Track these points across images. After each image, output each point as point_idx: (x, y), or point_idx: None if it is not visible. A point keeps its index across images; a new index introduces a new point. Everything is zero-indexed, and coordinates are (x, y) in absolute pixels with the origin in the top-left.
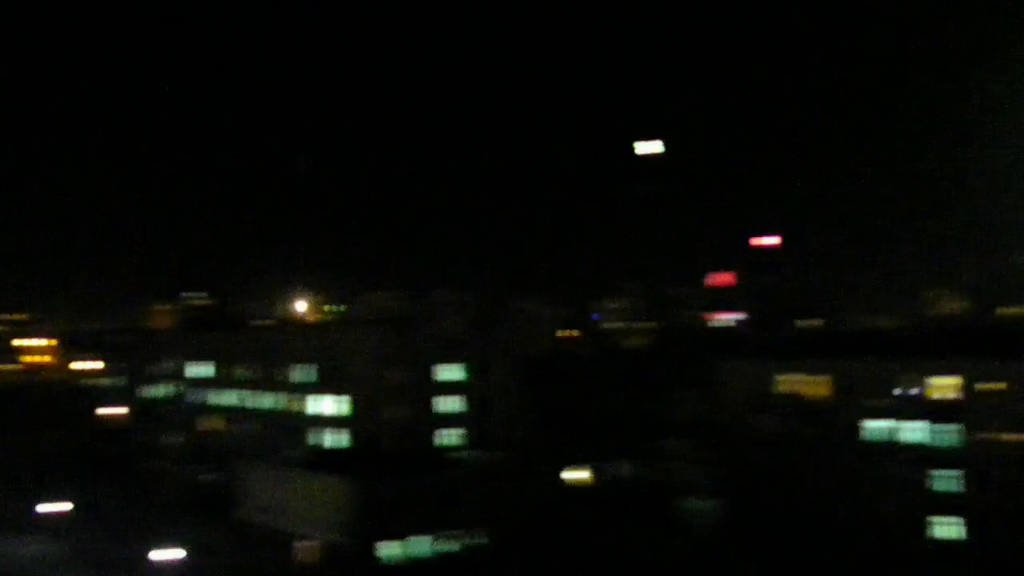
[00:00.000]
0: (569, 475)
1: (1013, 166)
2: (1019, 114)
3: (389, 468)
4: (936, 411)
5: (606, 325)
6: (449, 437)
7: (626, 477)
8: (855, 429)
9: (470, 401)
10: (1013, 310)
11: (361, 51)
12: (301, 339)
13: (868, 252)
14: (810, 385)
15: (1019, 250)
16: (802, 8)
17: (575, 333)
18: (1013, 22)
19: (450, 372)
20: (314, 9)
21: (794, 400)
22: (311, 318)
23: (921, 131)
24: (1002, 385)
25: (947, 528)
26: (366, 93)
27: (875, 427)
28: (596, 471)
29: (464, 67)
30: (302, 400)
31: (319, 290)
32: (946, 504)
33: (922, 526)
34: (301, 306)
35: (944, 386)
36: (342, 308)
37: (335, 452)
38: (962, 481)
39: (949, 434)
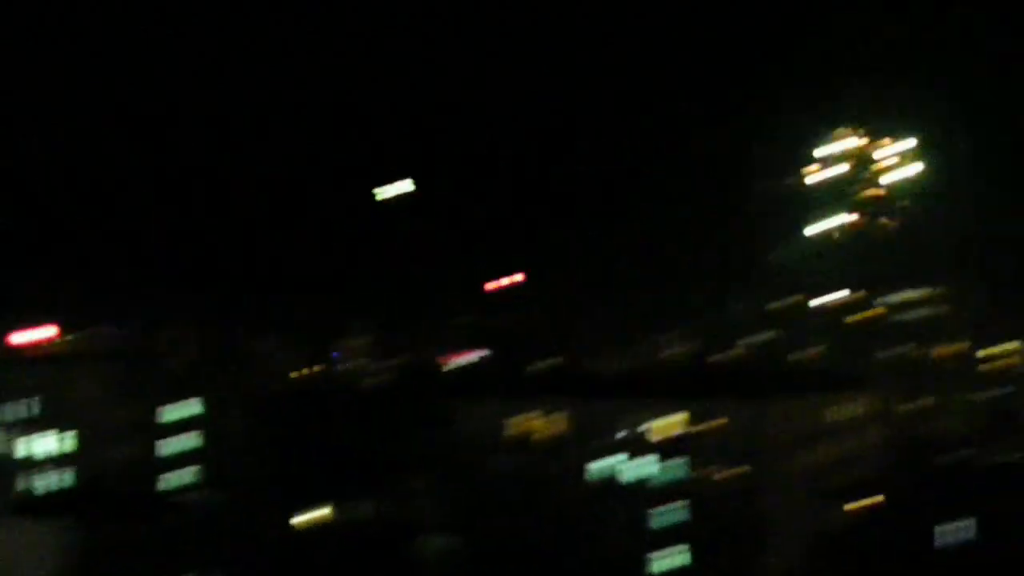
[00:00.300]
0: (305, 515)
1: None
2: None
3: (112, 511)
4: (662, 448)
5: (346, 363)
6: (179, 478)
7: (364, 516)
8: (587, 467)
9: (202, 440)
10: (735, 351)
11: None
12: (17, 372)
13: (607, 293)
14: (548, 424)
15: (743, 297)
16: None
17: (314, 370)
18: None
19: (182, 410)
20: None
21: (529, 439)
22: (32, 349)
23: (659, 174)
24: (723, 421)
25: (668, 561)
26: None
27: (605, 465)
28: (333, 510)
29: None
30: (17, 439)
31: (41, 318)
32: (670, 537)
33: (646, 559)
34: (20, 336)
35: (670, 424)
36: (66, 339)
37: (53, 495)
38: (684, 513)
39: (673, 470)
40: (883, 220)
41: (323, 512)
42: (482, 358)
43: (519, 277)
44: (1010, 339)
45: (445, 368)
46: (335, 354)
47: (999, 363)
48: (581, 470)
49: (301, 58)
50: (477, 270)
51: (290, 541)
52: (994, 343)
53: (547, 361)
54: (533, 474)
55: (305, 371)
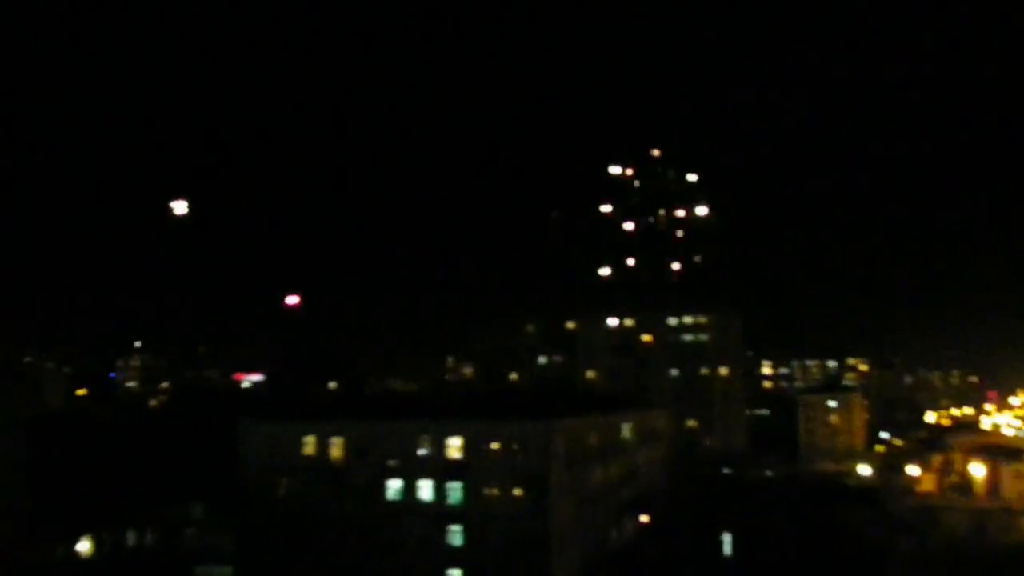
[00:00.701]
0: (77, 545)
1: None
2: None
3: None
4: (445, 469)
5: (125, 384)
6: None
7: (139, 546)
8: (374, 488)
9: None
10: (515, 376)
11: None
12: None
13: (391, 316)
14: (330, 446)
15: (529, 320)
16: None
17: (90, 392)
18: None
19: None
20: None
21: (315, 461)
22: None
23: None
24: (498, 445)
25: None
26: None
27: (392, 486)
28: (106, 540)
29: None
30: None
31: None
32: (456, 557)
33: None
34: None
35: (452, 446)
36: None
37: None
38: (466, 535)
39: (455, 491)
40: (665, 255)
41: (89, 543)
42: (264, 379)
43: (298, 300)
44: (773, 362)
45: (227, 389)
46: (112, 375)
47: (764, 384)
48: (368, 492)
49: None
50: (258, 292)
51: (59, 572)
52: (758, 366)
53: (330, 383)
54: (319, 497)
55: (82, 392)
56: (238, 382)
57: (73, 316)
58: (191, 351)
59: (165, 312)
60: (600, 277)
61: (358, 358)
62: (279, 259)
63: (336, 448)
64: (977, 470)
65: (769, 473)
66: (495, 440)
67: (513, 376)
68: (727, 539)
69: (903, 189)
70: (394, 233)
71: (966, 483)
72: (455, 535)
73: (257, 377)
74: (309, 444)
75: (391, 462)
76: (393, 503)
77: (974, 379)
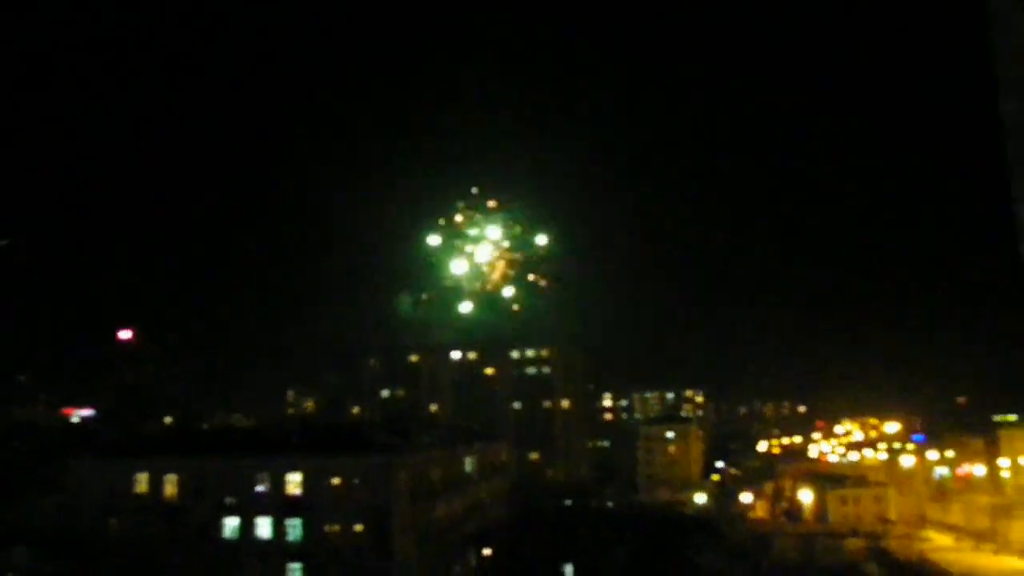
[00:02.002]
0: None
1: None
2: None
3: None
4: (284, 506)
5: None
6: None
7: None
8: (210, 526)
9: None
10: (357, 410)
11: None
12: None
13: (231, 349)
14: (165, 484)
15: (371, 355)
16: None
17: None
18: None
19: None
20: None
21: (148, 500)
22: None
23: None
24: (339, 480)
25: None
26: None
27: (229, 524)
28: None
29: None
30: None
31: None
32: None
33: None
34: None
35: (292, 482)
36: None
37: None
38: (306, 573)
39: (295, 528)
40: (507, 290)
41: None
42: (95, 414)
43: (131, 334)
44: (613, 395)
45: (53, 425)
46: None
47: (605, 416)
48: (204, 530)
49: None
50: (86, 326)
51: None
52: (599, 399)
53: (165, 418)
54: (153, 537)
55: None
56: (67, 416)
57: None
58: (12, 380)
59: None
60: (446, 313)
61: (195, 393)
62: (112, 291)
63: (171, 485)
64: (805, 496)
65: (610, 503)
66: (336, 475)
67: (356, 410)
68: (568, 570)
69: (736, 224)
70: (233, 264)
71: (795, 509)
72: (294, 573)
73: (87, 412)
74: (142, 482)
75: (228, 499)
76: (230, 542)
77: (802, 409)
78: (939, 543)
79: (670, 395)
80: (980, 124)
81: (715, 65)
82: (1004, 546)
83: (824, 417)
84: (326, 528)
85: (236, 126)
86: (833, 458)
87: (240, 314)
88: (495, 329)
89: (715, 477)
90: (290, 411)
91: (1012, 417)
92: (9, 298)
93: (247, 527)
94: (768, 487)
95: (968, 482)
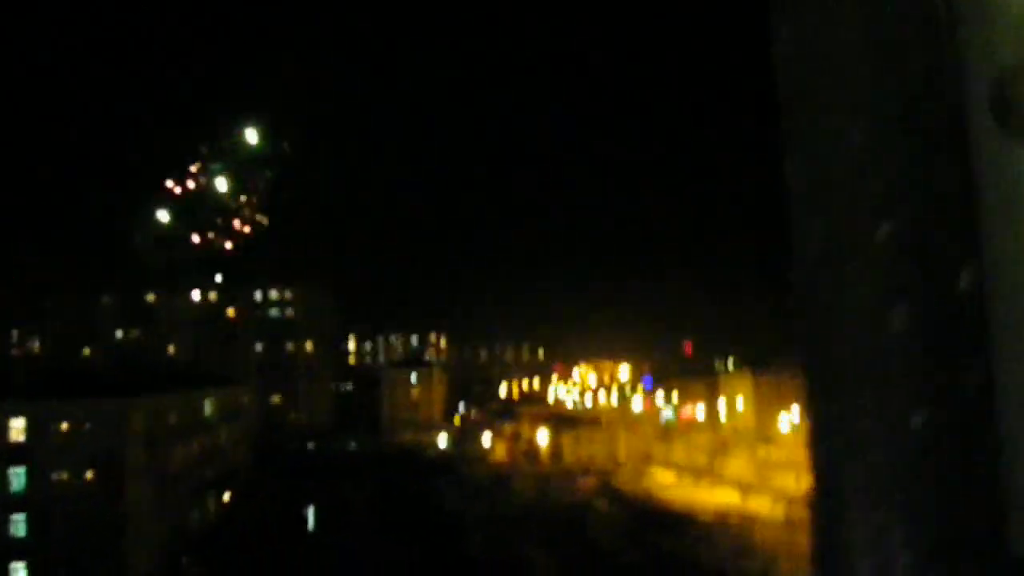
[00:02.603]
0: None
1: None
2: None
3: None
4: (6, 453)
5: None
6: None
7: None
8: None
9: None
10: (89, 352)
11: None
12: None
13: None
14: None
15: (105, 294)
16: None
17: None
18: None
19: None
20: None
21: None
22: None
23: None
24: (67, 426)
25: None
26: None
27: None
28: None
29: None
30: None
31: None
32: (19, 549)
33: None
34: None
35: (14, 428)
36: None
37: None
38: (31, 524)
39: (19, 477)
40: (244, 228)
41: None
42: None
43: None
44: (357, 338)
45: None
46: None
47: (349, 359)
48: None
49: None
50: None
51: None
52: (344, 342)
53: None
54: None
55: None
56: None
57: None
58: None
59: None
60: (183, 249)
61: None
62: None
63: None
64: (543, 438)
65: (353, 446)
66: (65, 420)
67: (87, 352)
68: (311, 513)
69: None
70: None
71: (533, 450)
72: (18, 525)
73: None
74: None
75: None
76: None
77: (541, 354)
78: (663, 480)
79: (414, 339)
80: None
81: None
82: (719, 480)
83: (562, 361)
84: (54, 476)
85: None
86: (570, 402)
87: None
88: (237, 269)
89: (457, 420)
90: (14, 352)
91: (731, 362)
92: None
93: None
94: (508, 429)
95: (691, 423)
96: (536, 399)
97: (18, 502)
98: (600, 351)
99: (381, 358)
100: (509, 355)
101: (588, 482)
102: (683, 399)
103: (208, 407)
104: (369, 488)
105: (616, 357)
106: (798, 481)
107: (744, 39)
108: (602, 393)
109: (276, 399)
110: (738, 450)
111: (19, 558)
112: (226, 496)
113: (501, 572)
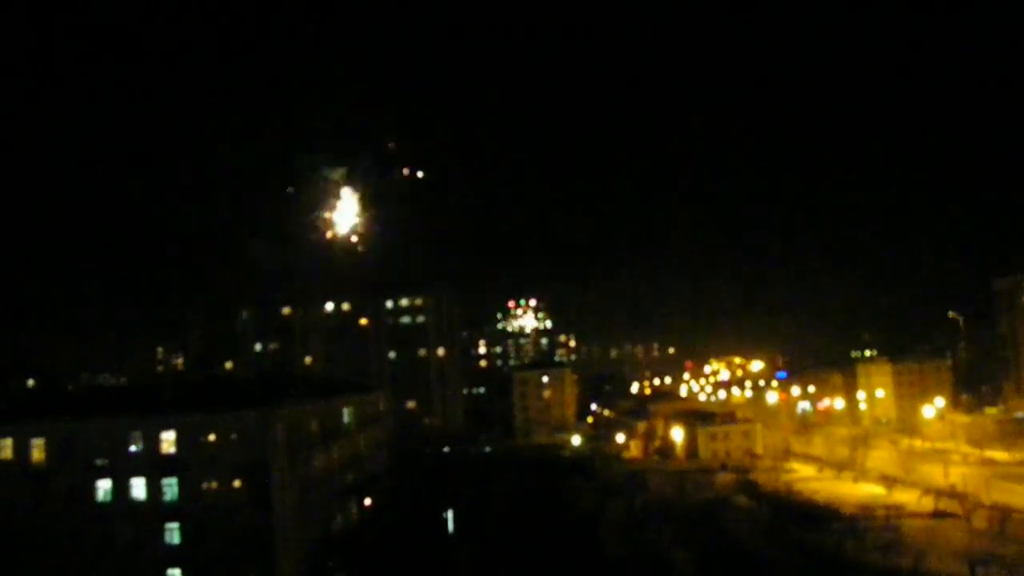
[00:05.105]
0: None
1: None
2: None
3: None
4: (159, 465)
5: None
6: None
7: None
8: (81, 490)
9: None
10: (230, 365)
11: None
12: None
13: (93, 307)
14: (31, 448)
15: (245, 308)
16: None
17: None
18: None
19: None
20: None
21: (14, 466)
22: None
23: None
24: (215, 437)
25: None
26: None
27: (102, 487)
28: None
29: None
30: None
31: None
32: (174, 556)
33: None
34: None
35: (166, 440)
36: None
37: None
38: (184, 532)
39: (171, 488)
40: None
41: None
42: None
43: None
44: (487, 341)
45: None
46: None
47: (480, 363)
48: (75, 495)
49: None
50: None
51: None
52: (473, 346)
53: (28, 380)
54: (20, 504)
55: None
56: None
57: None
58: None
59: None
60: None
61: (58, 353)
62: None
63: (38, 450)
64: (677, 434)
65: (488, 449)
66: (211, 432)
67: (228, 365)
68: (450, 516)
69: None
70: (94, 220)
71: (668, 447)
72: (172, 533)
73: None
74: (6, 448)
75: (99, 461)
76: (103, 505)
77: (672, 351)
78: (803, 473)
79: (544, 340)
80: None
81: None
82: (862, 474)
83: (693, 358)
84: (204, 486)
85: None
86: (702, 397)
87: (103, 271)
88: (367, 278)
89: (590, 419)
90: (159, 368)
91: (869, 353)
92: None
93: (120, 489)
94: (641, 427)
95: (828, 415)
96: (668, 396)
97: (171, 512)
98: (731, 346)
99: (512, 360)
100: (639, 353)
101: (725, 478)
102: (819, 391)
103: (347, 414)
104: (505, 490)
105: (747, 352)
106: (945, 472)
107: None
108: (735, 388)
109: (411, 404)
110: (880, 441)
111: (175, 565)
112: (367, 500)
113: (639, 572)
